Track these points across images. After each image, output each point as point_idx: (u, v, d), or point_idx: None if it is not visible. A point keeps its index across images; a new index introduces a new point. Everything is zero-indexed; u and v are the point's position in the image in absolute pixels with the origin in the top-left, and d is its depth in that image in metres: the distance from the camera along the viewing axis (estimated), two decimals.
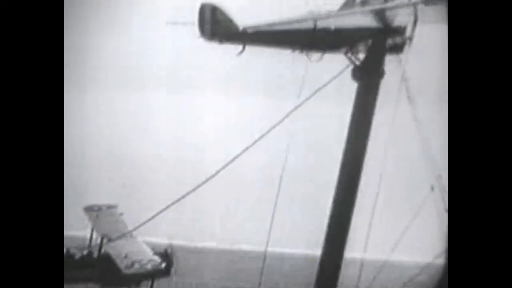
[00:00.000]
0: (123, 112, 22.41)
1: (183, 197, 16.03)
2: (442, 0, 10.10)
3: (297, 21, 14.91)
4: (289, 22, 14.92)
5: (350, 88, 14.06)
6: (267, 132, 12.68)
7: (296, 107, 12.93)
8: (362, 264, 13.48)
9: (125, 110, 22.43)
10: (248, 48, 14.91)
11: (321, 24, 15.18)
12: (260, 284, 16.13)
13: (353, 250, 13.49)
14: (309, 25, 15.29)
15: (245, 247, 22.16)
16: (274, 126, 12.58)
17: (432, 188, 12.86)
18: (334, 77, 14.37)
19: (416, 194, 14.51)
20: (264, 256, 16.01)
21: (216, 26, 15.75)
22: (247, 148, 13.02)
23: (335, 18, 14.64)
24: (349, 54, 15.34)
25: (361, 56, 15.27)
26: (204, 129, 22.12)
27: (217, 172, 15.29)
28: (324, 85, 14.20)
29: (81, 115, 21.09)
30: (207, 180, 15.44)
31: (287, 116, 13.13)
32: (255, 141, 12.92)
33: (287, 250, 21.54)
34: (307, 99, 13.05)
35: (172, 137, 22.45)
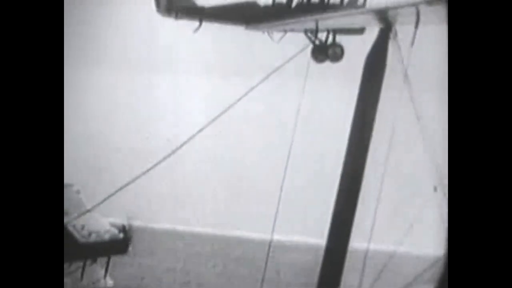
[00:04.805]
0: (91, 91, 21.84)
1: (142, 174, 15.72)
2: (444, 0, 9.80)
3: (299, 20, 14.68)
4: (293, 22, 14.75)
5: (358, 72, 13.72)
6: (218, 116, 12.35)
7: (251, 89, 12.62)
8: (366, 254, 13.41)
9: (97, 89, 21.88)
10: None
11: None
12: (264, 273, 16.17)
13: (358, 240, 13.42)
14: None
15: (202, 230, 22.08)
16: (225, 110, 12.25)
17: (435, 189, 12.88)
18: (292, 57, 14.10)
19: (419, 187, 14.49)
20: (269, 244, 15.89)
21: (172, 1, 15.30)
22: (196, 133, 12.70)
23: (336, 18, 14.35)
24: (309, 34, 15.07)
25: (321, 35, 15.02)
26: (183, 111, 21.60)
27: (173, 151, 14.98)
28: (281, 65, 13.91)
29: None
30: (162, 160, 15.15)
31: (242, 97, 12.79)
32: (208, 123, 12.59)
33: (292, 238, 21.46)
34: (262, 80, 12.73)
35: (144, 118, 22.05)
